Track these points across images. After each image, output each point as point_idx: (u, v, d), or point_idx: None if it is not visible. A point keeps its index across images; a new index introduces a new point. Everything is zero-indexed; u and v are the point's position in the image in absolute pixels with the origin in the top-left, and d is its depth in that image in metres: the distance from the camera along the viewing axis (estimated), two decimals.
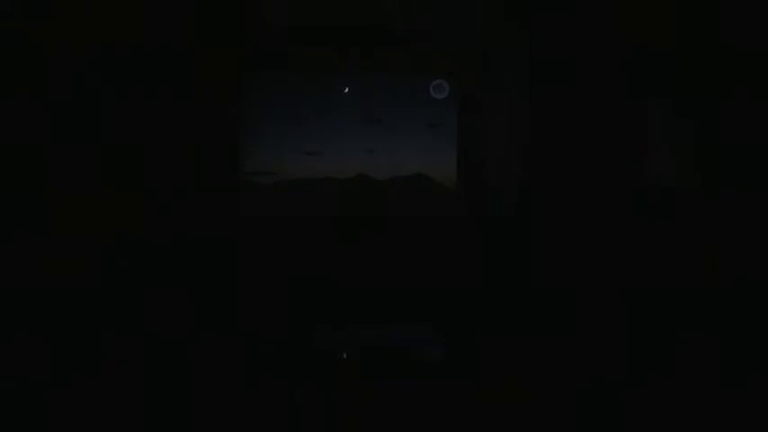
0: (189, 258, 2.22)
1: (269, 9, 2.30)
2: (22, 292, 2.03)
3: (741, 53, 2.13)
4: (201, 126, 2.27)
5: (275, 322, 2.26)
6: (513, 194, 2.37)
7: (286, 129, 2.46)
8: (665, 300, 2.18)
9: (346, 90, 2.42)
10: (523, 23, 2.35)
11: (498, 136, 2.42)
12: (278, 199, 2.45)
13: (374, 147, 2.47)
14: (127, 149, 2.19)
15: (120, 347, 2.09)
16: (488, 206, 2.41)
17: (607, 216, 2.26)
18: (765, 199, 2.09)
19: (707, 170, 2.19)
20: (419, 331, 2.24)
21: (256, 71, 2.40)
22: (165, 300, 2.17)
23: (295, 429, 1.84)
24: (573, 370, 2.13)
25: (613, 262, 2.25)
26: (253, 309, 2.26)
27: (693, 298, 2.15)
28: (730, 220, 2.14)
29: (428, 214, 2.47)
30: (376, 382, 2.00)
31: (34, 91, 2.08)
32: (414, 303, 2.32)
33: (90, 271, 2.13)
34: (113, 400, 1.88)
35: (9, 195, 2.05)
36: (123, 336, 2.10)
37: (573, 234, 2.28)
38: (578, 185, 2.30)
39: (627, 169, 2.28)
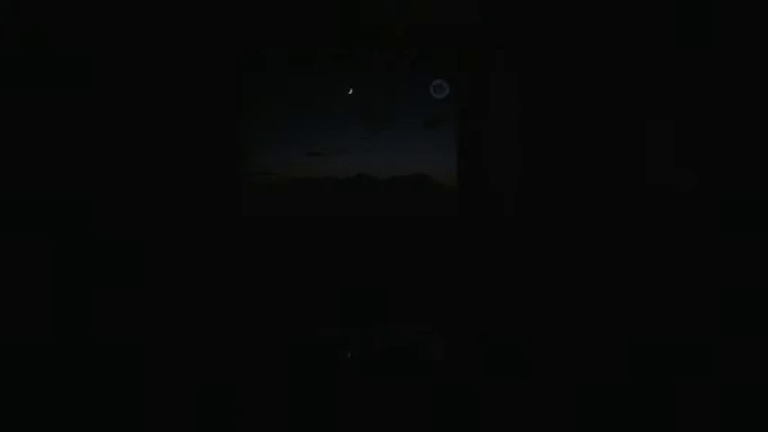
0: (190, 258, 2.23)
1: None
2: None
3: (741, 53, 2.13)
4: (201, 126, 2.27)
5: (276, 322, 2.27)
6: (512, 194, 2.38)
7: (286, 129, 2.45)
8: (667, 299, 2.19)
9: (350, 92, 2.42)
10: (524, 23, 2.34)
11: (498, 136, 2.42)
12: (278, 199, 2.45)
13: (374, 147, 2.47)
14: (126, 149, 2.19)
15: (124, 347, 2.10)
16: (488, 206, 2.41)
17: (608, 216, 2.27)
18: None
19: (707, 171, 2.20)
20: (420, 332, 2.25)
21: (256, 71, 2.39)
22: (166, 300, 2.18)
23: (296, 429, 1.86)
24: (573, 370, 2.15)
25: (614, 262, 2.26)
26: (254, 308, 2.27)
27: (695, 299, 2.16)
28: (730, 223, 2.14)
29: (428, 214, 2.47)
30: (376, 382, 2.01)
31: (34, 92, 2.08)
32: (414, 303, 2.33)
33: (89, 270, 2.14)
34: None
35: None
36: (126, 338, 2.12)
37: (574, 234, 2.29)
38: (579, 185, 2.30)
39: (628, 170, 2.28)
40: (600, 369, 2.14)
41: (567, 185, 2.31)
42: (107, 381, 2.02)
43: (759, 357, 2.01)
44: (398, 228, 2.43)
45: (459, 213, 2.45)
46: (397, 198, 2.48)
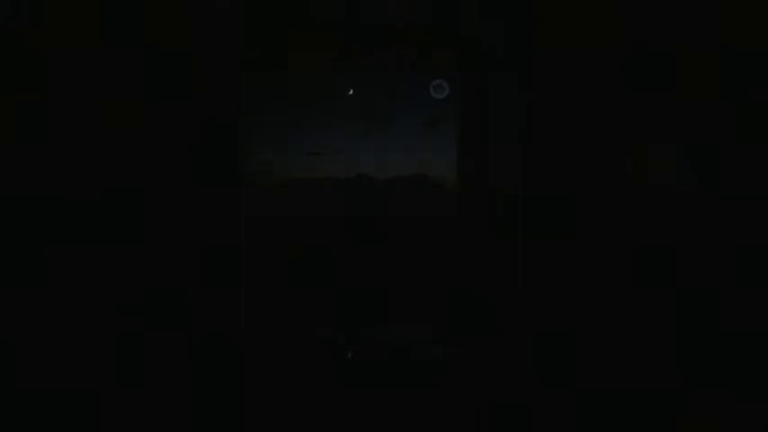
0: (189, 258, 2.23)
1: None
2: None
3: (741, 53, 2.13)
4: (202, 126, 2.27)
5: (277, 322, 2.27)
6: (513, 194, 2.38)
7: (286, 128, 2.45)
8: (668, 300, 2.19)
9: (351, 92, 2.42)
10: (524, 22, 2.34)
11: (498, 136, 2.42)
12: (278, 199, 2.45)
13: (374, 147, 2.47)
14: (127, 150, 2.19)
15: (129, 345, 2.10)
16: (488, 206, 2.41)
17: (608, 216, 2.27)
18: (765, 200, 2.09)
19: (706, 170, 2.20)
20: (420, 332, 2.25)
21: (256, 71, 2.40)
22: (165, 299, 2.18)
23: (296, 429, 1.86)
24: (573, 370, 2.15)
25: (614, 262, 2.26)
26: (254, 308, 2.27)
27: (695, 298, 2.16)
28: (730, 221, 2.14)
29: (428, 214, 2.47)
30: (377, 382, 2.01)
31: (35, 94, 2.09)
32: (414, 304, 2.33)
33: (92, 272, 2.14)
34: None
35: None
36: (131, 334, 2.12)
37: (574, 234, 2.29)
38: (579, 185, 2.30)
39: (629, 170, 2.28)
40: (599, 371, 2.14)
41: (567, 185, 2.31)
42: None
43: (757, 356, 2.02)
44: (398, 228, 2.43)
45: (459, 213, 2.45)
46: (397, 198, 2.47)
